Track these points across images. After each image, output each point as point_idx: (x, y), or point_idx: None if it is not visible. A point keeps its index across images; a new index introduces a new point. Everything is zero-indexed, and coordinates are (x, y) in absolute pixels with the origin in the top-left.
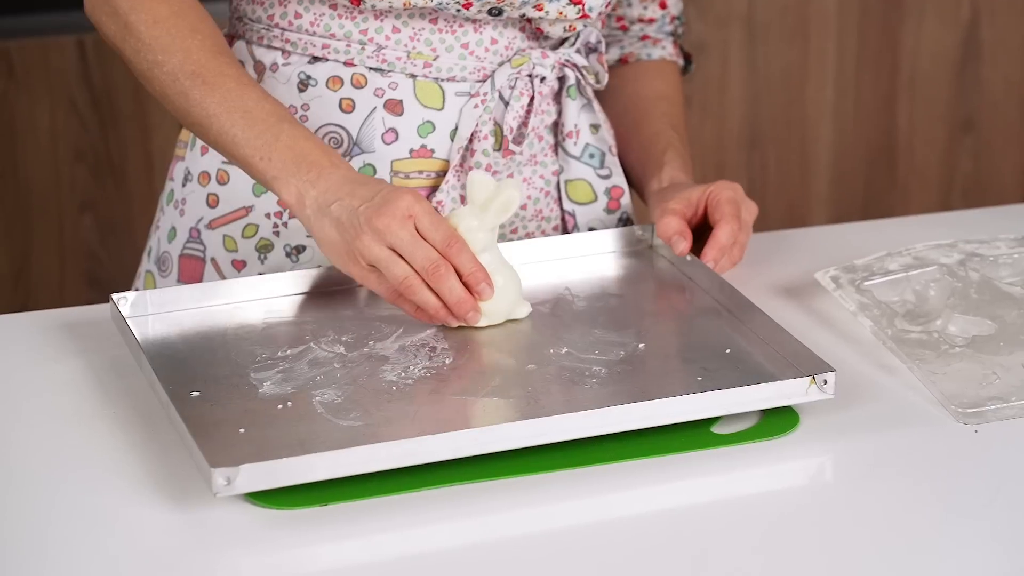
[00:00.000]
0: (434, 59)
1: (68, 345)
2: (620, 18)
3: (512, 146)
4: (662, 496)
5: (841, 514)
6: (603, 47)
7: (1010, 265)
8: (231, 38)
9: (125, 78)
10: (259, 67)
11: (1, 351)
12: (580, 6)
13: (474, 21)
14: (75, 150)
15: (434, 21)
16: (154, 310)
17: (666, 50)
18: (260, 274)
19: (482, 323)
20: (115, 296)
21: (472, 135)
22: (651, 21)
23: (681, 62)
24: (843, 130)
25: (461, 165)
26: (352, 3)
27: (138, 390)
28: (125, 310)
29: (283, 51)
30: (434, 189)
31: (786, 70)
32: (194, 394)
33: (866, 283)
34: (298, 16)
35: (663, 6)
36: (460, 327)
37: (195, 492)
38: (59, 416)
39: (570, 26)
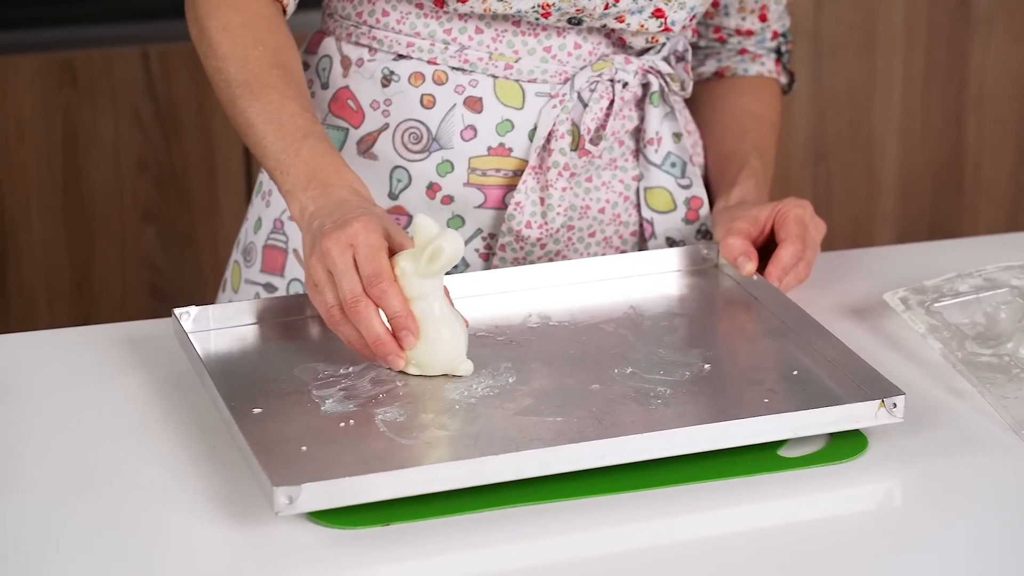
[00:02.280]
0: (515, 61)
1: (130, 359)
2: (718, 29)
3: (588, 146)
4: (727, 520)
5: (909, 540)
6: (690, 55)
7: None
8: (321, 35)
9: (188, 89)
10: (345, 62)
11: (64, 365)
12: (662, 19)
13: (559, 27)
14: (138, 161)
15: (517, 24)
16: (216, 325)
17: (765, 66)
18: None
19: (412, 371)
20: (177, 311)
21: (549, 134)
22: (749, 33)
23: (783, 80)
24: (910, 147)
25: (540, 166)
26: (436, 5)
27: (200, 405)
28: (187, 325)
29: (369, 48)
30: (511, 188)
31: (852, 86)
32: (256, 411)
33: (936, 304)
34: (385, 14)
35: (763, 19)
36: (548, 351)
37: (256, 510)
38: (120, 431)
39: (652, 38)
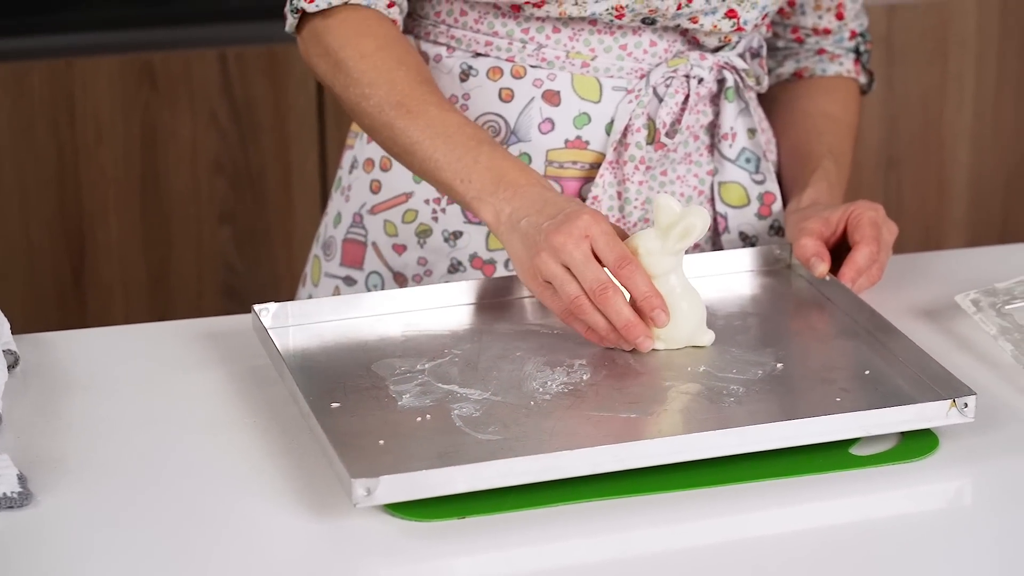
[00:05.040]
0: (592, 59)
1: (208, 355)
2: (795, 28)
3: (664, 139)
4: (800, 516)
5: (979, 539)
6: (765, 51)
7: None
8: None
9: (265, 91)
10: (423, 56)
11: (143, 359)
12: (735, 19)
13: (635, 26)
14: (215, 162)
15: (593, 23)
16: (295, 321)
17: (843, 66)
18: (419, 259)
19: (659, 347)
20: (257, 307)
21: (626, 128)
22: (827, 32)
23: (863, 80)
24: (981, 153)
25: (616, 161)
26: (512, 9)
27: (278, 400)
28: (267, 321)
29: (448, 47)
30: (587, 181)
31: (924, 92)
32: (334, 405)
33: (1007, 307)
34: (463, 13)
35: (840, 17)
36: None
37: (334, 502)
38: (200, 425)
39: (725, 37)
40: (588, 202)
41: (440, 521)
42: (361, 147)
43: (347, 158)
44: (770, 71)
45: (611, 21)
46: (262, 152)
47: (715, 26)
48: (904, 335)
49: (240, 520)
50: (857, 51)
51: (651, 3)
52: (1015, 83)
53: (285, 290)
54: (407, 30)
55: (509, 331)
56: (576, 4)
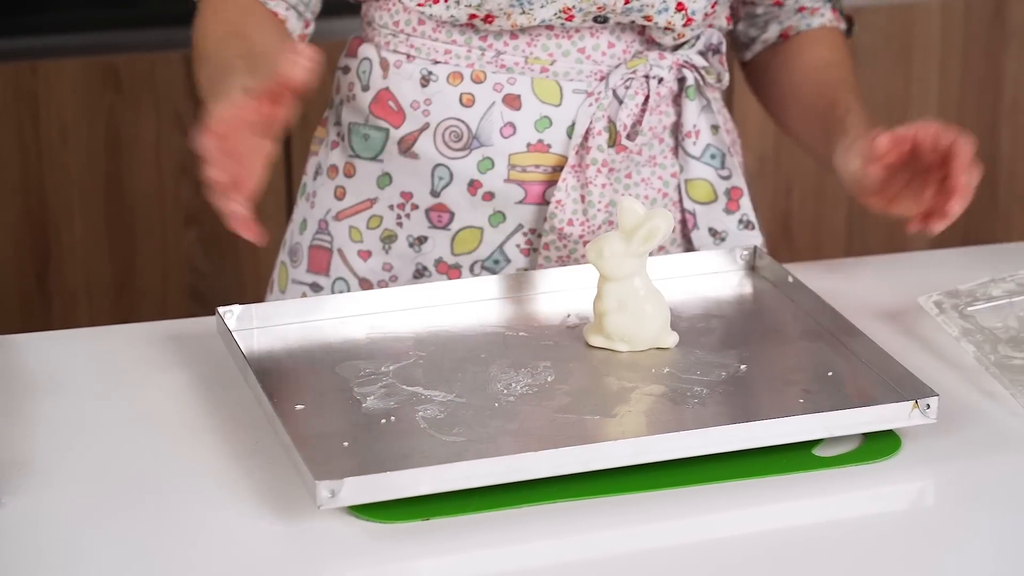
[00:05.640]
0: (551, 63)
1: (173, 357)
2: None
3: (625, 141)
4: (762, 517)
5: (941, 540)
6: (725, 47)
7: None
8: (360, 40)
9: None
10: (384, 63)
11: (107, 362)
12: (684, 12)
13: (590, 27)
14: (180, 164)
15: (550, 28)
16: (259, 324)
17: (825, 17)
18: (384, 265)
19: (623, 348)
20: (221, 309)
21: (587, 132)
22: None
23: (843, 26)
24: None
25: (579, 164)
26: (469, 17)
27: (242, 403)
28: (231, 323)
29: (407, 55)
30: (551, 184)
31: (888, 95)
32: (298, 407)
33: (969, 308)
34: (421, 23)
35: None
36: (586, 350)
37: (299, 504)
38: (164, 428)
39: (679, 34)
40: (552, 206)
41: (404, 523)
42: (325, 153)
43: (312, 164)
44: (754, 40)
45: (563, 25)
46: None
47: (669, 22)
48: (867, 336)
49: (204, 522)
50: (832, 0)
51: (598, 0)
52: (978, 86)
53: (250, 293)
54: (367, 38)
55: (474, 333)
56: (523, 13)
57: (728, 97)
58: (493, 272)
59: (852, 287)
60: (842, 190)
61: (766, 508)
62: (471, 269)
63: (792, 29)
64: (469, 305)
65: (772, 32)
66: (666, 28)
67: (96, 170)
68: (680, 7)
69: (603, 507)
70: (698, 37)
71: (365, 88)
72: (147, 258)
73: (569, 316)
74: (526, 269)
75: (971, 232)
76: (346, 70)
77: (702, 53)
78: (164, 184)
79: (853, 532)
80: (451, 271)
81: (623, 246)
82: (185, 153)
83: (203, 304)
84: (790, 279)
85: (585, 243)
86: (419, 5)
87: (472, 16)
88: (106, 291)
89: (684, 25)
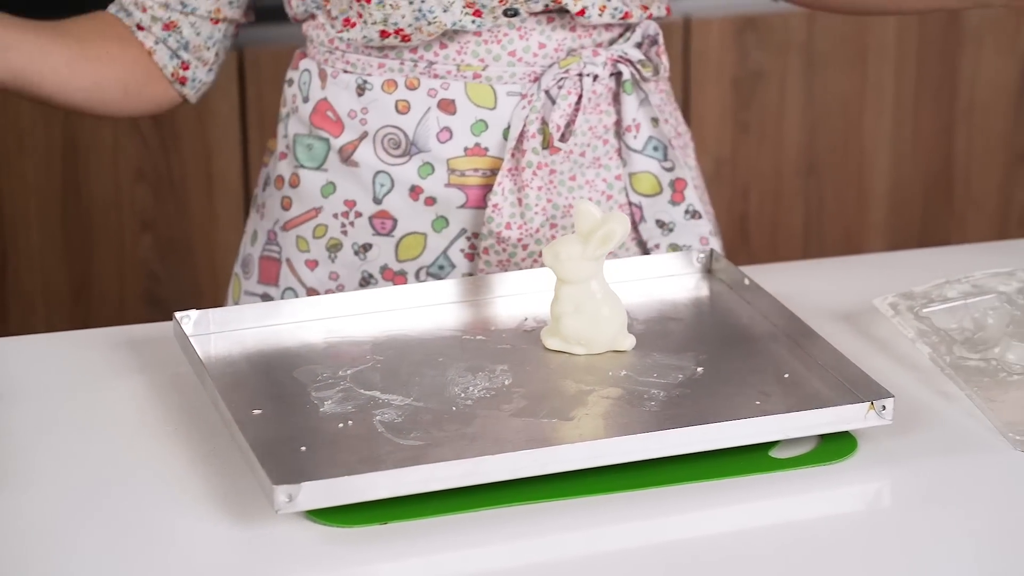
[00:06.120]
0: (483, 69)
1: (130, 362)
2: None
3: (558, 143)
4: (719, 519)
5: (898, 540)
6: (661, 38)
7: None
8: (303, 54)
9: None
10: (322, 74)
11: (64, 367)
12: None
13: (519, 28)
14: (136, 169)
15: (478, 33)
16: (216, 328)
17: None
18: (331, 274)
19: (580, 351)
20: (178, 314)
21: (521, 134)
22: None
23: None
24: (900, 159)
25: (515, 167)
26: (381, 36)
27: (200, 408)
28: (188, 328)
29: (344, 71)
30: (490, 188)
31: (844, 98)
32: (256, 412)
33: (925, 310)
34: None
35: None
36: (543, 354)
37: (256, 509)
38: (120, 433)
39: (605, 25)
40: (489, 210)
41: (363, 527)
42: (274, 164)
43: (262, 176)
44: None
45: (473, 22)
46: (184, 160)
47: (583, 8)
48: (823, 338)
49: (162, 528)
50: None
51: None
52: (934, 90)
53: (207, 297)
54: (307, 54)
55: (431, 337)
56: (430, 24)
57: (684, 101)
58: (438, 278)
59: (808, 289)
60: (796, 195)
61: (723, 510)
62: (416, 275)
63: None
64: (426, 309)
65: None
66: (579, 14)
67: (53, 175)
68: None
69: (561, 510)
70: (634, 29)
71: (305, 99)
72: (104, 263)
73: (526, 319)
74: (470, 274)
75: (926, 235)
76: (290, 83)
77: (639, 45)
78: (121, 190)
79: (810, 533)
80: (396, 278)
81: (580, 249)
82: (142, 158)
83: (160, 309)
84: (746, 281)
85: (524, 247)
86: (338, 32)
87: (384, 34)
88: (63, 296)
89: (600, 11)
